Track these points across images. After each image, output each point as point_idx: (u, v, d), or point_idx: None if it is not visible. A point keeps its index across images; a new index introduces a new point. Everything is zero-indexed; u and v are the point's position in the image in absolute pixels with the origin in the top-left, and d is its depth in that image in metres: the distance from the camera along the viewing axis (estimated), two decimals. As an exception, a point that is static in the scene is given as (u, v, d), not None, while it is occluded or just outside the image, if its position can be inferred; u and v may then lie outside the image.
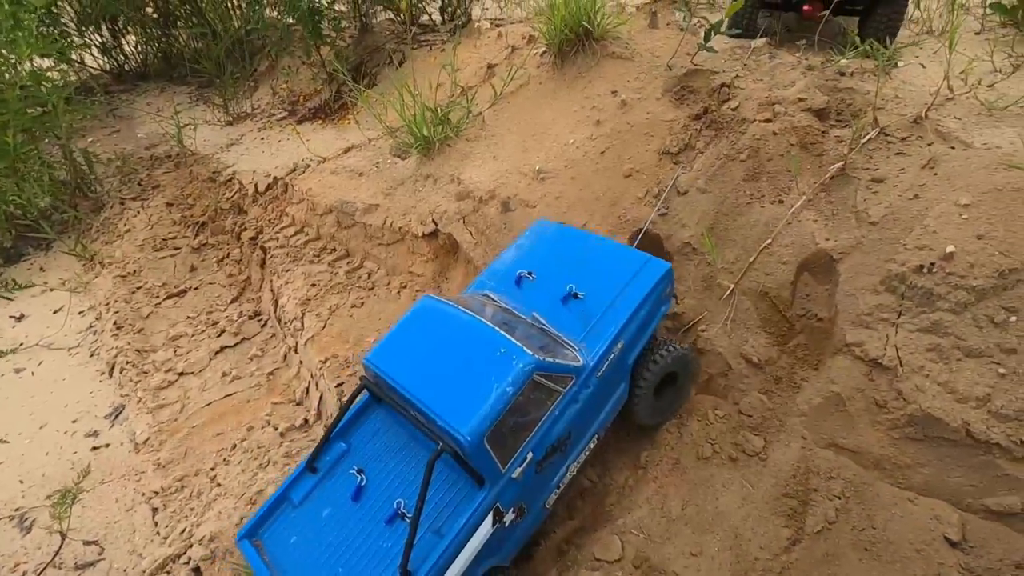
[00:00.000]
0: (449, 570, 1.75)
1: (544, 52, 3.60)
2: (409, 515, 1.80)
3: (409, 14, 5.42)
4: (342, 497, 1.98)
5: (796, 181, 2.41)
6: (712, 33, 2.97)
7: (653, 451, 2.28)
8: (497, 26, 5.41)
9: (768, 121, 2.62)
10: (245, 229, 4.48)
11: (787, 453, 2.08)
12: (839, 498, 1.95)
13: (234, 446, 3.00)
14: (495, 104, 3.73)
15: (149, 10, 7.31)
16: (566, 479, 2.08)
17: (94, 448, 3.20)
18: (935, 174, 2.19)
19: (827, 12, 3.19)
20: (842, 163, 2.35)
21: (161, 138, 6.24)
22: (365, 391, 2.14)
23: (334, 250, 3.96)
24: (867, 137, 2.40)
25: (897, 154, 2.33)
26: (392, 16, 6.20)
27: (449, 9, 6.21)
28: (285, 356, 3.48)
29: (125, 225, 4.87)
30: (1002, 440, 1.75)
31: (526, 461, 1.89)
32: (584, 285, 2.22)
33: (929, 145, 2.34)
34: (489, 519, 1.82)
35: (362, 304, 3.46)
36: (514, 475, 1.86)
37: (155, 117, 6.61)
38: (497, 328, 1.95)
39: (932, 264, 1.95)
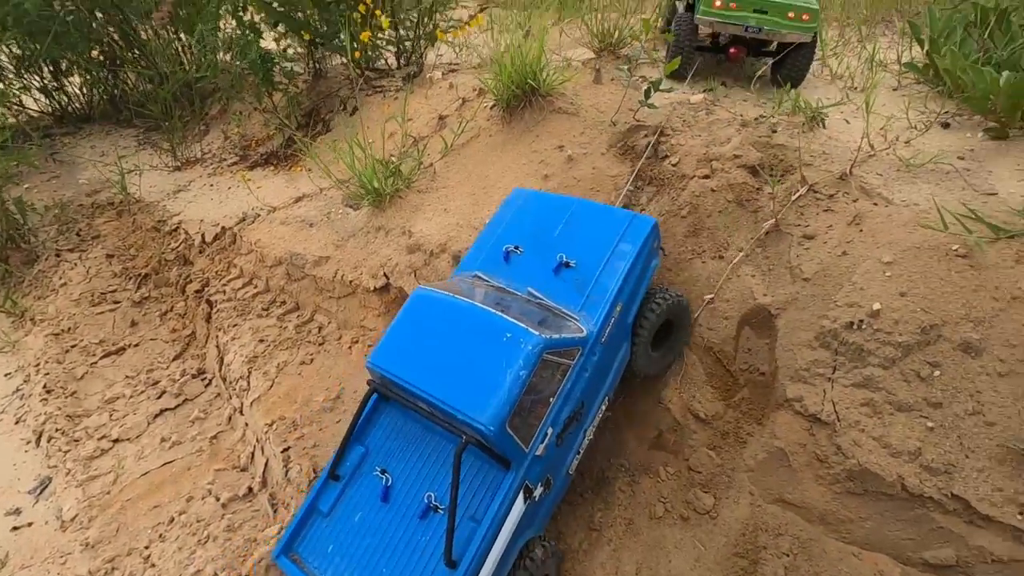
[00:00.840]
0: (491, 552, 1.78)
1: (493, 106, 3.67)
2: (442, 507, 1.86)
3: (361, 65, 5.45)
4: (371, 499, 2.00)
5: (733, 237, 2.49)
6: (652, 91, 3.10)
7: (607, 511, 2.26)
8: (451, 71, 5.52)
9: (706, 177, 2.73)
10: (190, 281, 4.33)
11: (736, 510, 2.10)
12: (787, 555, 1.96)
13: (171, 520, 2.82)
14: (446, 156, 3.77)
15: (95, 53, 7.14)
16: (584, 444, 2.12)
17: (14, 528, 2.95)
18: (861, 231, 2.31)
19: (747, 55, 3.68)
20: (775, 220, 2.45)
21: (104, 184, 6.01)
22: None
23: (283, 303, 3.86)
24: (797, 194, 2.52)
25: (825, 211, 2.45)
26: (346, 61, 6.22)
27: (404, 55, 6.31)
28: (230, 418, 3.33)
29: (60, 278, 4.64)
30: (934, 494, 1.81)
31: (547, 437, 1.92)
32: (574, 252, 2.22)
33: (854, 201, 2.47)
34: (521, 498, 1.86)
35: (311, 360, 3.36)
36: (538, 452, 1.90)
37: (98, 162, 6.40)
38: (497, 311, 1.94)
39: (861, 321, 2.04)
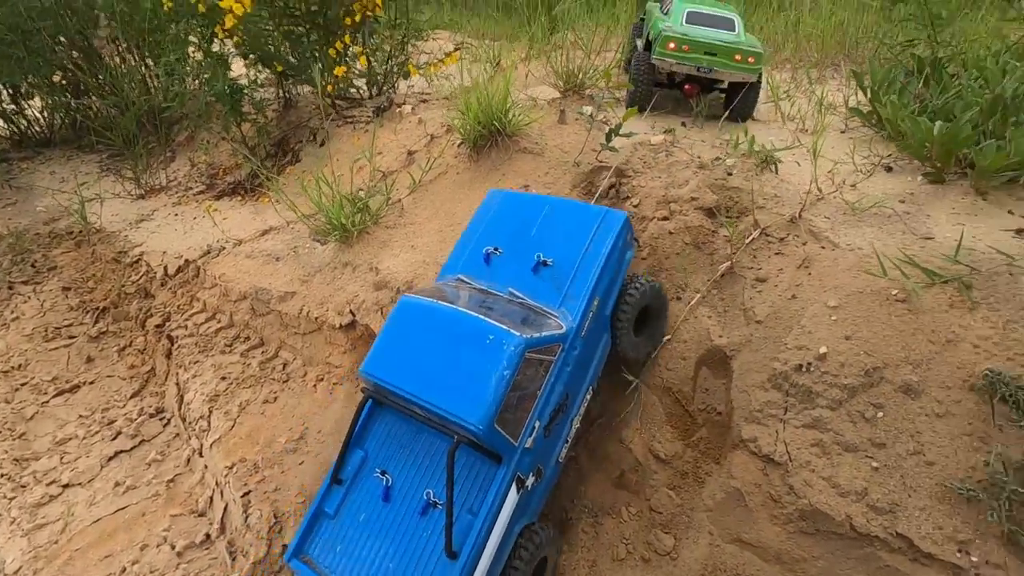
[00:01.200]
0: (489, 541, 1.91)
1: (461, 143, 3.74)
2: (441, 503, 1.99)
3: (332, 96, 5.49)
4: (373, 500, 2.14)
5: (690, 279, 2.58)
6: (613, 135, 3.21)
7: (570, 554, 2.27)
8: (422, 101, 5.61)
9: (665, 219, 2.83)
10: (151, 315, 4.23)
11: (696, 551, 2.13)
12: (745, 596, 2.00)
13: (123, 570, 2.72)
14: (414, 192, 3.80)
15: (57, 78, 7.02)
16: (572, 433, 2.25)
17: (-48, 584, 2.80)
18: (809, 274, 2.42)
19: (701, 91, 4.00)
20: (730, 263, 2.55)
21: (63, 212, 5.86)
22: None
23: (247, 339, 3.80)
24: (751, 238, 2.63)
25: (777, 253, 2.56)
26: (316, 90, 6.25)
27: (376, 85, 6.38)
28: (188, 460, 3.24)
29: (12, 312, 4.48)
30: (880, 532, 1.88)
31: (535, 430, 2.04)
32: (551, 250, 2.35)
33: (804, 244, 2.59)
34: (514, 489, 1.99)
35: (275, 399, 3.31)
36: (527, 445, 2.02)
37: (58, 189, 6.24)
38: (479, 315, 2.05)
39: (809, 363, 2.13)
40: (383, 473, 2.12)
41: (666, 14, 3.98)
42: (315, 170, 5.15)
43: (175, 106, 5.62)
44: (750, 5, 7.22)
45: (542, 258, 2.33)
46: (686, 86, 3.93)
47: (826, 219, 2.80)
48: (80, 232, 5.48)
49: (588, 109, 3.31)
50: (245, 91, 5.64)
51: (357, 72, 6.00)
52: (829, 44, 5.59)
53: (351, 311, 3.28)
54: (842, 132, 3.94)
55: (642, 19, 4.80)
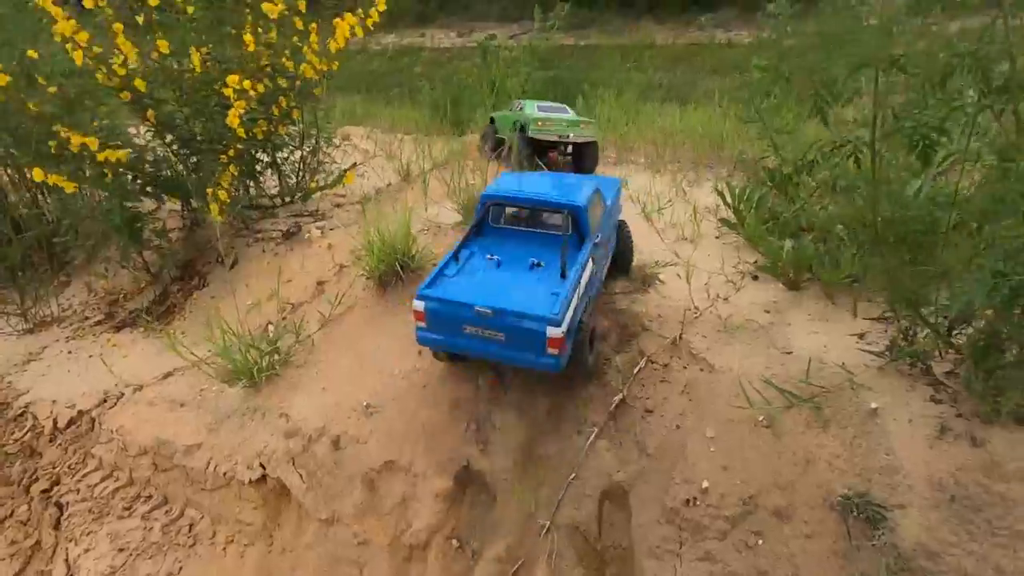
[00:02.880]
0: (580, 280, 2.65)
1: (368, 277, 3.85)
2: (544, 264, 2.78)
3: (227, 217, 5.47)
4: (487, 267, 2.80)
5: (589, 413, 2.76)
6: (510, 267, 3.44)
7: None
8: (336, 206, 5.73)
9: (563, 351, 3.03)
10: (37, 479, 3.88)
11: None
12: None
13: None
14: (324, 327, 3.84)
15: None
16: (603, 275, 3.30)
17: None
18: (690, 401, 2.67)
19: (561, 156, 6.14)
20: (622, 395, 2.76)
21: (-63, 357, 5.34)
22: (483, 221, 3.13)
23: (149, 497, 3.57)
24: (638, 368, 2.87)
25: (662, 381, 2.81)
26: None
27: (287, 195, 6.46)
28: (79, 656, 2.93)
29: None
30: (773, 662, 2.02)
31: (597, 239, 2.94)
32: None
33: (685, 368, 2.86)
34: (591, 263, 2.79)
35: (180, 570, 3.10)
36: (596, 241, 2.92)
37: (-68, 329, 5.69)
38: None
39: (695, 497, 2.32)
40: (492, 256, 2.85)
41: (521, 109, 5.98)
42: (223, 298, 5.08)
43: (69, 240, 5.40)
44: (631, 113, 8.08)
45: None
46: (551, 153, 5.96)
47: (703, 338, 3.11)
48: (-46, 381, 4.99)
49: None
50: (144, 219, 5.54)
51: (263, 192, 6.10)
52: (701, 147, 6.33)
53: (261, 464, 3.19)
54: (716, 237, 4.43)
55: (492, 120, 6.78)
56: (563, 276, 2.61)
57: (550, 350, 2.42)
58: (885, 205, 2.31)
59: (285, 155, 6.48)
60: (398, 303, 3.63)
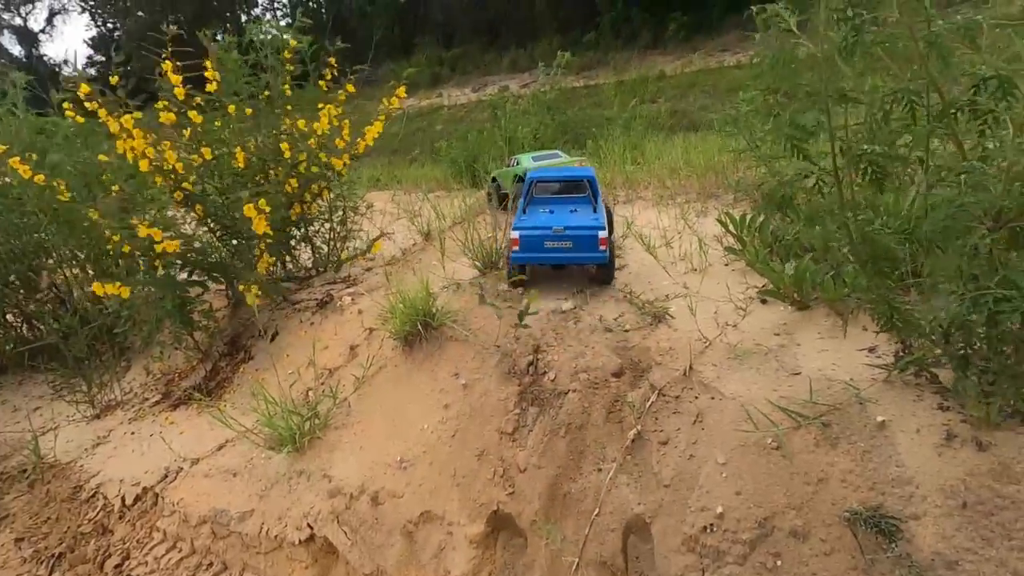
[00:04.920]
0: (604, 217, 4.33)
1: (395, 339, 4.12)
2: (580, 210, 4.62)
3: (260, 296, 5.91)
4: (546, 214, 4.55)
5: (607, 449, 2.89)
6: (524, 314, 3.65)
7: None
8: (367, 270, 6.07)
9: (577, 392, 3.19)
10: (110, 555, 4.19)
11: None
12: None
13: None
14: (359, 389, 4.10)
15: (9, 317, 7.29)
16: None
17: None
18: (703, 430, 2.77)
19: None
20: (637, 429, 2.89)
21: (15, 447, 5.83)
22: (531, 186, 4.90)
23: (210, 565, 3.81)
24: (650, 402, 2.99)
25: (675, 413, 2.92)
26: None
27: (321, 265, 6.94)
28: None
29: (-38, 578, 4.34)
30: None
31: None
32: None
33: (696, 399, 2.97)
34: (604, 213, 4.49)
35: (241, 632, 3.29)
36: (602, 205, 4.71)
37: (10, 419, 6.25)
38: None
39: (712, 524, 2.40)
40: (544, 209, 4.67)
41: (518, 163, 6.70)
42: (267, 369, 5.45)
43: (128, 330, 5.91)
44: (637, 151, 8.35)
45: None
46: None
47: (713, 367, 3.22)
48: (34, 469, 5.44)
49: (493, 305, 3.77)
50: (192, 303, 6.04)
51: (298, 264, 6.57)
52: (706, 179, 6.51)
53: (308, 524, 3.40)
54: (725, 265, 4.56)
55: (494, 179, 7.44)
56: (595, 211, 4.47)
57: (601, 247, 4.05)
58: (853, 229, 2.44)
59: (316, 228, 7.02)
60: (423, 359, 3.88)
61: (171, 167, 4.73)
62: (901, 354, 2.69)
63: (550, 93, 15.10)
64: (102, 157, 5.02)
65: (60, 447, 5.64)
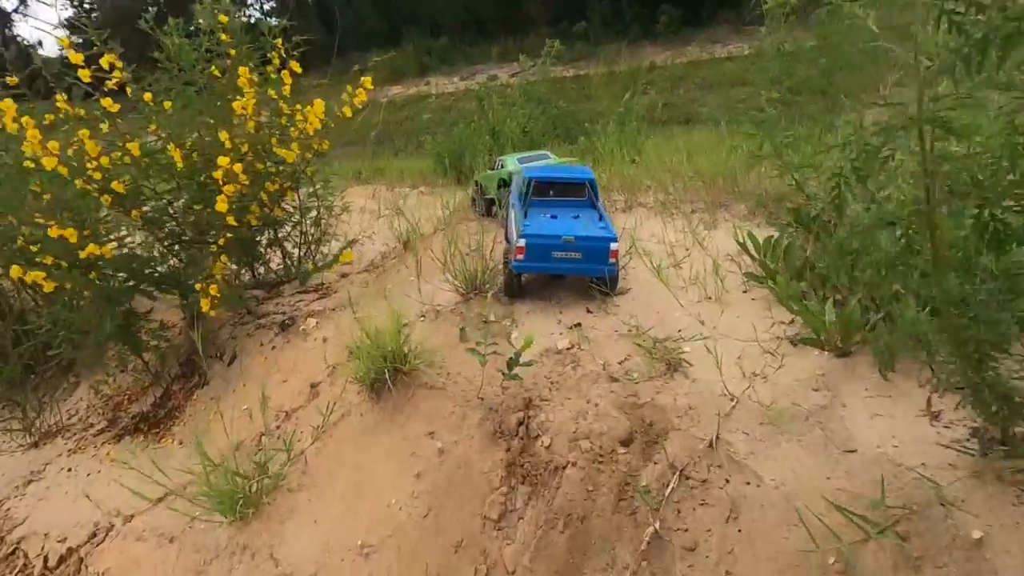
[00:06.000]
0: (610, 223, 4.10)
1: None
2: (582, 216, 4.21)
3: (216, 312, 5.25)
4: (550, 218, 4.15)
5: (617, 549, 2.30)
6: (515, 363, 3.04)
7: None
8: (338, 280, 5.42)
9: (578, 465, 2.59)
10: (24, 632, 3.55)
11: None
12: None
13: None
14: (318, 439, 3.47)
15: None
16: None
17: None
18: (739, 531, 2.19)
19: None
20: (654, 527, 2.30)
21: (-63, 483, 5.15)
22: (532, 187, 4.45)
23: (136, 655, 3.19)
24: (670, 487, 2.41)
25: (701, 503, 2.34)
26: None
27: (292, 268, 6.27)
28: None
29: None
30: None
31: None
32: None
33: (727, 482, 2.39)
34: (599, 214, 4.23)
35: None
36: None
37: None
38: None
39: None
40: (547, 214, 4.21)
41: (503, 166, 5.95)
42: (222, 399, 4.80)
43: (63, 352, 5.21)
44: (635, 148, 7.72)
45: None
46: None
47: (745, 435, 2.64)
48: (-45, 512, 4.76)
49: (477, 344, 3.12)
50: (139, 321, 5.36)
51: (269, 270, 5.93)
52: (714, 184, 5.90)
53: (250, 620, 2.79)
54: (744, 291, 3.97)
55: (477, 183, 6.71)
56: (600, 218, 4.10)
57: (611, 259, 3.76)
58: (951, 279, 1.85)
59: (287, 230, 6.35)
60: (393, 411, 3.26)
61: (93, 166, 4.01)
62: (986, 429, 2.12)
63: (540, 84, 14.40)
64: (27, 149, 4.29)
65: (-10, 482, 4.97)
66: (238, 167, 4.42)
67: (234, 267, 5.62)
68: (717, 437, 2.58)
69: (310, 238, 6.71)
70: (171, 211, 5.08)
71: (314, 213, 6.36)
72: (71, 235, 4.00)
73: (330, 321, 4.75)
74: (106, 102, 4.13)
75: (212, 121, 4.67)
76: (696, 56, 26.81)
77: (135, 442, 5.09)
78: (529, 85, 13.89)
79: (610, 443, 2.66)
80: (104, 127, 4.15)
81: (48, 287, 4.10)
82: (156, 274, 5.29)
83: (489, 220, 6.13)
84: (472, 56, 33.76)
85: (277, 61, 5.33)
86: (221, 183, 4.27)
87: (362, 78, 5.00)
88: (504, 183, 5.56)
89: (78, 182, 4.21)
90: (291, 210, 6.14)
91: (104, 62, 4.15)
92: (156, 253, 5.20)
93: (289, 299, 6.01)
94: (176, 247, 5.35)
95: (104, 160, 4.15)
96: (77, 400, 6.11)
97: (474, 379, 3.22)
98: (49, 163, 3.91)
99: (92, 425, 5.61)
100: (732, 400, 2.83)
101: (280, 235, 6.18)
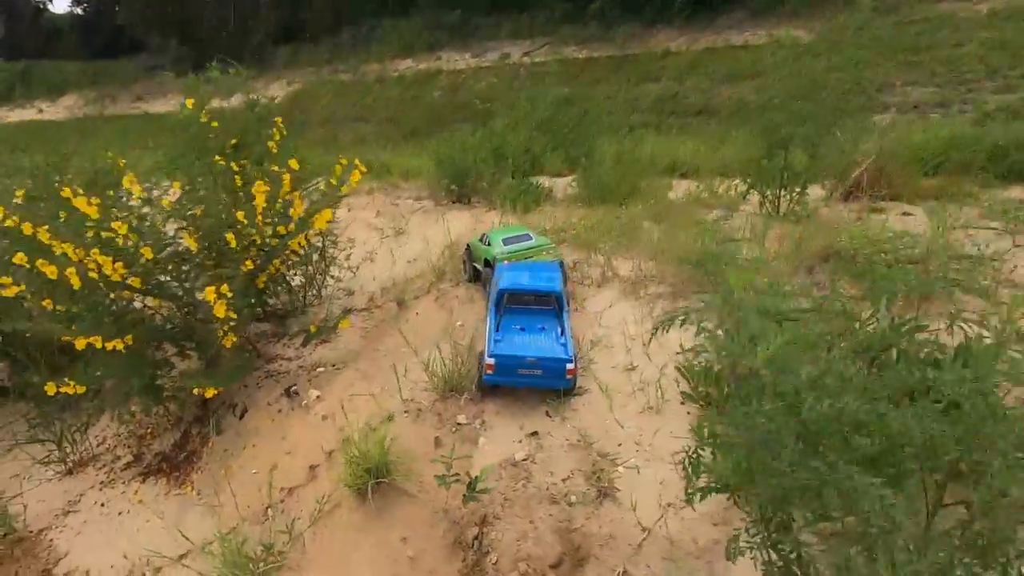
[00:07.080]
0: (571, 339, 4.80)
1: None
2: (547, 328, 4.92)
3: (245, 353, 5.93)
4: (516, 332, 4.86)
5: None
6: (473, 488, 3.73)
7: None
8: (337, 342, 6.09)
9: (517, 590, 3.31)
10: (73, 663, 4.39)
11: None
12: None
13: None
14: (315, 525, 4.21)
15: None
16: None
17: None
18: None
19: None
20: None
21: (-15, 505, 5.95)
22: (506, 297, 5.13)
23: None
24: (580, 619, 3.12)
25: (602, 635, 3.06)
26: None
27: (299, 307, 7.03)
28: None
29: (-66, 672, 4.54)
30: None
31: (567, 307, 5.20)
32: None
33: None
34: (568, 321, 4.99)
35: None
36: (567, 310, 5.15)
37: (-18, 460, 6.33)
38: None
39: None
40: (516, 326, 4.93)
41: (489, 244, 6.58)
42: (234, 455, 5.54)
43: (93, 406, 5.95)
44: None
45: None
46: None
47: (647, 568, 3.34)
48: (3, 538, 5.56)
49: (447, 461, 3.82)
50: (161, 374, 6.05)
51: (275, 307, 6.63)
52: (685, 266, 6.46)
53: None
54: (682, 404, 4.61)
55: (467, 248, 7.21)
56: (562, 333, 4.83)
57: (568, 376, 4.53)
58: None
59: (293, 274, 7.09)
60: (375, 513, 3.97)
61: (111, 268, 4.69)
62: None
63: (553, 67, 14.67)
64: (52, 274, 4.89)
65: (32, 508, 5.76)
66: (248, 263, 5.07)
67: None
68: (624, 572, 3.29)
69: (318, 269, 7.54)
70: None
71: (320, 247, 7.21)
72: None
73: (331, 392, 5.45)
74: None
75: (225, 217, 5.26)
76: (712, 43, 26.41)
77: (159, 483, 5.88)
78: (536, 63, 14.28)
79: (542, 567, 3.38)
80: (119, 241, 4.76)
81: (81, 390, 4.81)
82: (175, 329, 6.00)
83: (476, 286, 6.79)
84: (483, 32, 33.28)
85: (278, 136, 5.95)
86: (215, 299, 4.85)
87: (352, 174, 5.52)
88: (488, 264, 6.23)
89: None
90: (300, 255, 6.83)
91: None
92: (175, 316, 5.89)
93: (294, 343, 6.80)
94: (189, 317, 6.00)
95: (119, 266, 4.79)
96: (103, 428, 6.87)
97: (442, 490, 3.92)
98: (75, 281, 4.58)
99: (119, 458, 6.39)
100: (644, 532, 3.52)
101: (287, 274, 6.92)
